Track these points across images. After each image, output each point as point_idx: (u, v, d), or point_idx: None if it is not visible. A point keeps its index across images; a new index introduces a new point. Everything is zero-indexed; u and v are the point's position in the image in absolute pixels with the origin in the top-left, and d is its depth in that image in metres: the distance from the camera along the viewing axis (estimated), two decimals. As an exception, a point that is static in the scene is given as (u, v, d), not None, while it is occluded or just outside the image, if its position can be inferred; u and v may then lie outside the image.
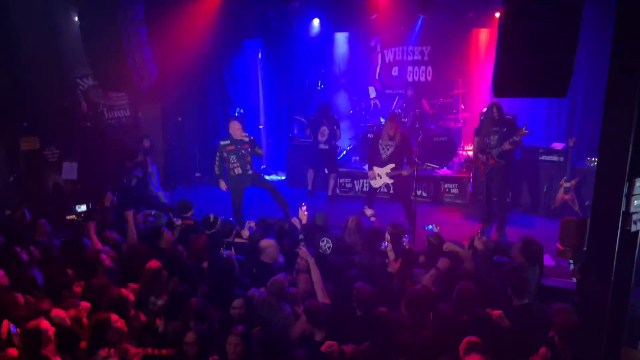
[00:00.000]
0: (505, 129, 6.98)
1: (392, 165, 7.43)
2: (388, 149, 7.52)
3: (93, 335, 3.99)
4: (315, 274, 4.73)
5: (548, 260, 6.17)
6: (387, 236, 5.54)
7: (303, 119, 10.07)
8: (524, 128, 6.76)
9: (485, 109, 8.26)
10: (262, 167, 10.77)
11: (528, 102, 8.95)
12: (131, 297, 4.53)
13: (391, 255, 5.24)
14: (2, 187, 8.23)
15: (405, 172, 7.34)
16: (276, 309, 4.67)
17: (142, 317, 4.52)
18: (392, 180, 7.51)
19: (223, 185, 7.53)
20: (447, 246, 5.31)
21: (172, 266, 5.16)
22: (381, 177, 7.56)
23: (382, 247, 5.34)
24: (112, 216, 6.68)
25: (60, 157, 8.66)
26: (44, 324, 3.90)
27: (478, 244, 5.08)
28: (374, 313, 4.12)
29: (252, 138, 7.45)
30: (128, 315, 4.37)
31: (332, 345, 3.97)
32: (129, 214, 6.06)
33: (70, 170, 8.51)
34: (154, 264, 4.90)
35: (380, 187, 7.72)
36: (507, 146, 6.87)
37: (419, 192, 8.12)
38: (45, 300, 4.51)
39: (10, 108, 8.13)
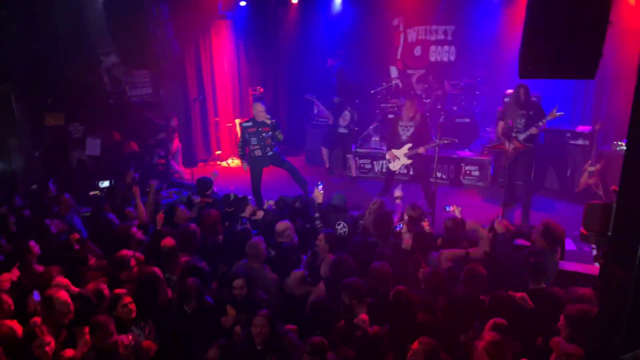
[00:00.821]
0: (532, 112, 6.79)
1: (410, 145, 7.39)
2: (408, 130, 7.44)
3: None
4: None
5: (570, 245, 6.11)
6: (405, 217, 5.52)
7: (314, 98, 10.02)
8: (554, 110, 6.54)
9: (509, 92, 8.14)
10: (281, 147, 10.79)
11: (553, 83, 8.75)
12: (162, 275, 4.57)
13: (406, 237, 5.21)
14: (28, 162, 8.42)
15: (421, 150, 7.29)
16: (257, 271, 4.79)
17: (169, 294, 4.60)
18: (410, 161, 7.46)
19: (244, 165, 7.58)
20: (470, 224, 5.29)
21: (186, 243, 5.23)
22: (399, 158, 7.52)
23: (397, 229, 5.28)
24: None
25: (84, 134, 8.81)
26: (62, 294, 3.98)
27: (498, 227, 5.04)
28: (395, 292, 4.12)
29: (274, 121, 7.44)
30: (160, 293, 4.44)
31: (365, 321, 3.97)
32: (152, 185, 6.15)
33: (93, 147, 8.67)
34: (168, 241, 4.98)
35: (399, 169, 7.65)
36: (534, 130, 6.69)
37: (438, 174, 7.99)
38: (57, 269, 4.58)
39: (35, 84, 8.26)
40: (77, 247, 5.15)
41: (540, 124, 6.66)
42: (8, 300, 4.10)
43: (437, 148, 6.87)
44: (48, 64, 8.19)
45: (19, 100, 8.25)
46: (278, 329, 4.02)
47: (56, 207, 6.12)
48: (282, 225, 5.45)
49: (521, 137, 6.79)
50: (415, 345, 3.43)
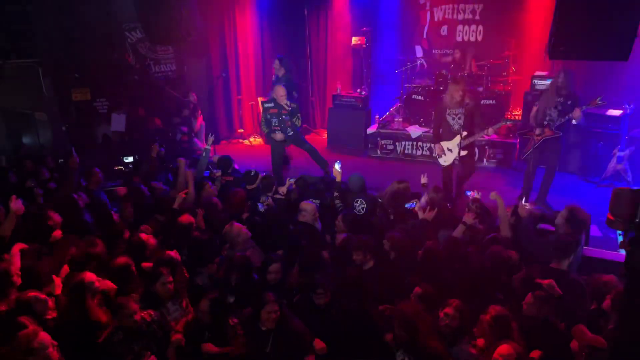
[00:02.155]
0: (569, 102, 6.37)
1: (465, 134, 6.55)
2: (460, 118, 6.55)
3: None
4: None
5: (595, 231, 6.01)
6: (425, 197, 5.47)
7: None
8: (598, 99, 6.15)
9: (537, 73, 7.92)
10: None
11: (584, 64, 8.50)
12: (179, 257, 4.63)
13: (420, 214, 5.19)
14: (56, 136, 8.59)
15: (479, 136, 6.66)
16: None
17: (186, 274, 4.67)
18: (465, 152, 6.63)
19: (278, 135, 7.42)
20: (494, 195, 5.23)
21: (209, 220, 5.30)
22: (451, 150, 6.70)
23: (410, 207, 5.24)
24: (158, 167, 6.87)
25: (110, 109, 8.93)
26: (89, 276, 4.01)
27: (522, 211, 4.98)
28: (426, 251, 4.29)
29: (293, 106, 7.41)
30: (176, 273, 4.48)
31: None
32: (182, 162, 6.22)
33: (118, 122, 8.78)
34: (185, 219, 5.05)
35: (452, 163, 6.78)
36: (577, 116, 6.25)
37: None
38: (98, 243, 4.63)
39: (63, 60, 8.37)
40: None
41: (574, 114, 6.25)
42: None
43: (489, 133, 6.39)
44: (75, 39, 8.28)
45: (47, 75, 8.40)
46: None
47: (85, 181, 6.21)
48: (308, 206, 5.44)
49: (553, 125, 6.48)
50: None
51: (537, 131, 6.61)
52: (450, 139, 6.67)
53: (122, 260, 4.31)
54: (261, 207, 6.05)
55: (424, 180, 6.14)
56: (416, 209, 5.21)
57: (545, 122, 6.54)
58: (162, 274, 4.19)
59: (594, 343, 3.39)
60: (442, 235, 5.08)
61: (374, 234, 4.89)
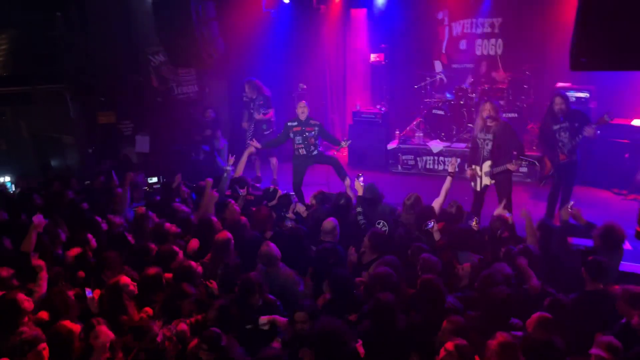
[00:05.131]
0: (576, 124, 6.17)
1: (490, 162, 6.25)
2: (487, 144, 6.22)
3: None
4: None
5: (624, 244, 5.84)
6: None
7: (304, 86, 10.22)
8: (605, 116, 5.90)
9: (559, 85, 7.83)
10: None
11: (607, 75, 8.38)
12: (200, 269, 4.66)
13: (437, 235, 5.10)
14: (82, 158, 8.79)
15: (512, 167, 6.05)
16: (274, 274, 4.75)
17: (214, 284, 4.68)
18: (492, 181, 6.31)
19: (255, 144, 7.62)
20: (524, 213, 5.14)
21: (235, 237, 5.30)
22: (481, 177, 6.38)
23: (428, 227, 5.15)
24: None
25: (134, 131, 9.11)
26: (124, 279, 4.18)
27: (565, 214, 4.88)
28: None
29: (319, 124, 7.46)
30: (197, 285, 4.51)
31: None
32: (209, 182, 6.28)
33: (142, 143, 8.94)
34: (223, 235, 5.05)
35: (482, 188, 6.41)
36: (591, 134, 6.04)
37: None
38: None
39: (89, 84, 8.61)
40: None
41: (587, 134, 6.07)
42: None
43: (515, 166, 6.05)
44: (100, 64, 8.51)
45: (74, 99, 8.63)
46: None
47: (111, 203, 6.32)
48: (330, 224, 5.33)
49: (566, 149, 6.28)
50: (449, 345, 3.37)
51: (554, 155, 6.42)
52: (479, 164, 6.37)
53: (152, 271, 4.40)
54: (288, 223, 6.04)
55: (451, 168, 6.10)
56: (433, 229, 5.12)
57: (559, 147, 6.35)
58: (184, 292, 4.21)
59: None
60: (462, 256, 4.95)
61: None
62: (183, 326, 4.02)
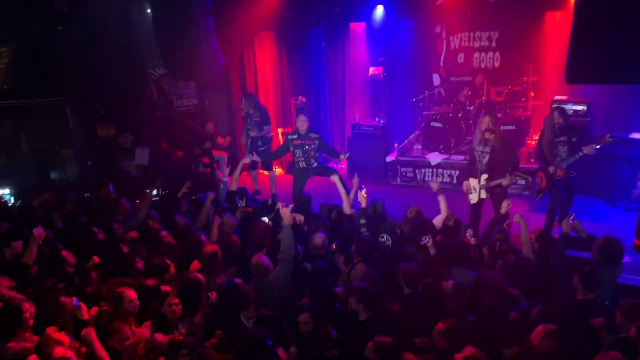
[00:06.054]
0: (575, 139, 6.14)
1: (486, 176, 6.24)
2: (484, 157, 6.19)
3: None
4: None
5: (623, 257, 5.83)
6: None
7: (303, 99, 10.26)
8: (607, 137, 5.85)
9: (557, 98, 7.87)
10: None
11: (604, 88, 8.44)
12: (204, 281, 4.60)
13: (432, 251, 5.06)
14: (82, 171, 8.79)
15: (505, 182, 6.11)
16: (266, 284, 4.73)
17: (214, 296, 4.64)
18: (487, 195, 6.30)
19: (247, 158, 7.67)
20: (517, 217, 5.16)
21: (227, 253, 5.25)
22: (476, 190, 6.38)
23: (424, 242, 5.12)
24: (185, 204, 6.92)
25: (133, 144, 9.12)
26: (129, 292, 4.14)
27: (566, 226, 4.87)
28: (423, 286, 4.17)
29: (318, 136, 7.45)
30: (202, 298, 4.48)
31: None
32: (210, 196, 6.28)
33: (142, 156, 8.96)
34: (210, 248, 5.04)
35: (479, 201, 6.39)
36: (590, 152, 5.98)
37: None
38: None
39: (89, 97, 8.64)
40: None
41: (586, 151, 5.98)
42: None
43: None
44: (100, 77, 8.55)
45: (73, 112, 8.65)
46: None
47: (111, 213, 6.32)
48: (319, 238, 5.31)
49: (563, 165, 6.22)
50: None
51: (551, 169, 6.36)
52: (476, 177, 6.35)
53: (151, 282, 4.41)
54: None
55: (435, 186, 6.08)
56: (429, 245, 5.09)
57: (556, 163, 6.30)
58: (168, 295, 4.22)
59: None
60: (456, 272, 4.82)
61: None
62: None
